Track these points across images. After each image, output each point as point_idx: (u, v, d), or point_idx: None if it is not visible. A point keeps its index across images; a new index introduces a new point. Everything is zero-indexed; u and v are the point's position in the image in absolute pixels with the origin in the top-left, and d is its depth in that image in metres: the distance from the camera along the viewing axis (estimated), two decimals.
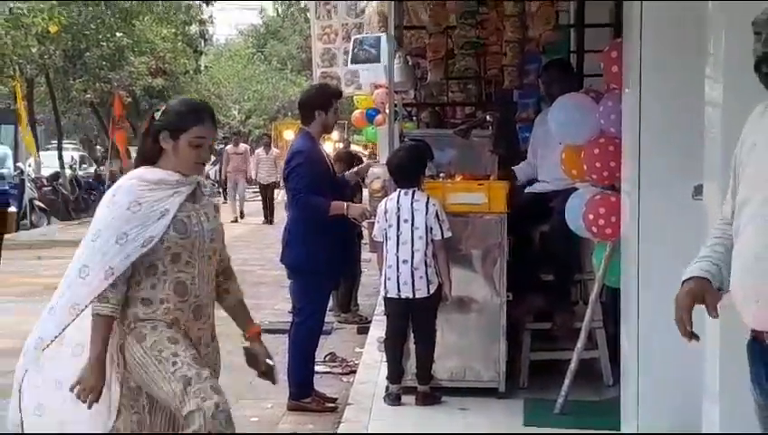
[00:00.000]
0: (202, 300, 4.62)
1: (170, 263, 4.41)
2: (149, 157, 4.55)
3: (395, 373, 7.73)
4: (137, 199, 4.34)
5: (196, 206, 4.57)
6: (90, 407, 4.39)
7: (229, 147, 30.75)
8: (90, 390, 4.36)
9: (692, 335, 3.53)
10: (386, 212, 7.75)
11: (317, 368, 8.42)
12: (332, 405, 7.96)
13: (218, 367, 5.00)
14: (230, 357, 10.29)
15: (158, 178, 4.42)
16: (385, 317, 8.04)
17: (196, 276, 4.55)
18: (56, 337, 4.54)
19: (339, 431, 7.30)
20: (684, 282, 3.54)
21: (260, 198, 27.92)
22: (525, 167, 8.91)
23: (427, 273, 7.60)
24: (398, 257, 7.65)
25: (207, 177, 41.16)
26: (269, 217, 26.37)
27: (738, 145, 3.46)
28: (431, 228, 7.58)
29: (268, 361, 5.14)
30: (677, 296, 3.52)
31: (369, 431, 7.18)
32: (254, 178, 27.92)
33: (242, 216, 27.81)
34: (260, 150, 27.91)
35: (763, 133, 3.31)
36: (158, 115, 4.60)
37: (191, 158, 4.50)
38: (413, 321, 7.70)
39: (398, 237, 7.66)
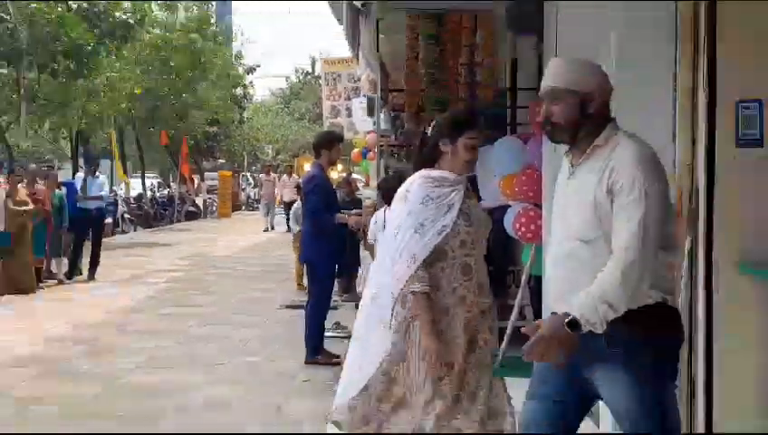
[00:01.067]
0: (481, 278, 4.07)
1: (458, 248, 3.83)
2: (427, 161, 4.00)
3: None
4: (428, 195, 3.80)
5: (470, 199, 3.99)
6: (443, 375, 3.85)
7: (263, 175, 30.79)
8: (438, 358, 3.82)
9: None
10: (376, 223, 7.76)
11: (326, 333, 8.39)
12: (337, 360, 7.92)
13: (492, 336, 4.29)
14: (264, 325, 10.30)
15: (440, 176, 3.86)
16: None
17: (476, 257, 4.01)
18: (391, 319, 3.94)
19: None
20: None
21: (284, 213, 27.00)
22: None
23: None
24: None
25: (248, 197, 41.21)
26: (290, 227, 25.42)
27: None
28: None
29: None
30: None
31: None
32: (281, 198, 27.54)
33: (272, 227, 26.96)
34: (285, 177, 27.82)
35: (563, 167, 3.37)
36: (429, 129, 4.12)
37: (465, 157, 3.92)
38: None
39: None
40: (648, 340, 3.05)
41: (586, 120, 3.17)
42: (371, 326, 4.25)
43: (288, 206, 25.49)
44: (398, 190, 4.06)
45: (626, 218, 2.98)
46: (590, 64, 3.31)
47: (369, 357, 4.18)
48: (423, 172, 3.95)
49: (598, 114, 3.19)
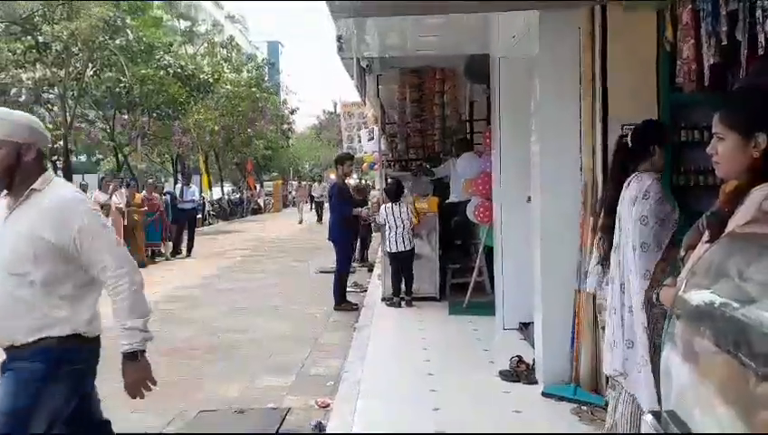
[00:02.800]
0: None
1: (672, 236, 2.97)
2: (633, 161, 3.19)
3: (397, 289, 7.73)
4: (662, 193, 3.02)
5: None
6: None
7: (295, 182, 30.87)
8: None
9: None
10: (385, 212, 7.78)
11: (348, 289, 8.39)
12: (355, 307, 7.95)
13: None
14: (305, 284, 10.27)
15: (656, 176, 3.10)
16: (389, 263, 7.88)
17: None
18: (642, 302, 2.98)
19: (357, 324, 7.22)
20: None
21: (314, 209, 26.20)
22: (440, 170, 8.94)
23: (409, 238, 7.73)
24: (395, 231, 7.68)
25: (293, 198, 41.18)
26: (320, 219, 24.16)
27: None
28: (409, 218, 7.72)
29: None
30: None
31: (374, 320, 7.08)
32: (313, 196, 27.28)
33: (301, 222, 24.91)
34: (315, 184, 27.87)
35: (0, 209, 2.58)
36: (628, 138, 3.28)
37: (663, 160, 3.15)
38: (402, 263, 7.75)
39: (395, 222, 7.70)
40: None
41: (22, 167, 2.45)
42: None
43: (318, 204, 25.23)
44: (631, 191, 3.12)
45: (102, 251, 2.41)
46: (27, 117, 2.54)
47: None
48: (651, 174, 3.10)
49: (33, 162, 2.47)
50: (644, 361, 3.01)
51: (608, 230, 3.34)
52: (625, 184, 3.20)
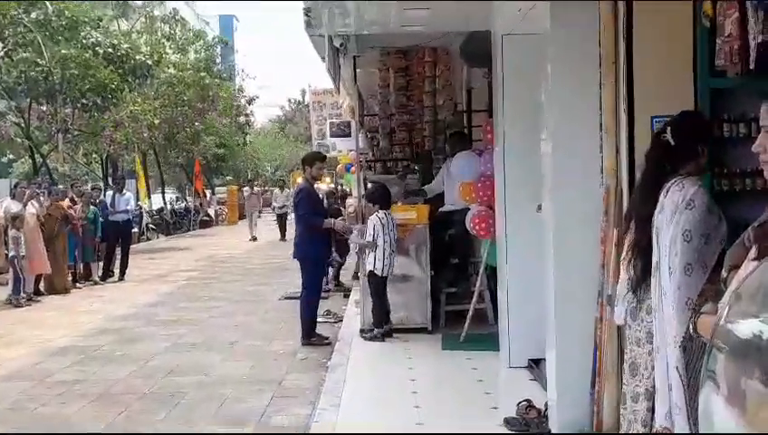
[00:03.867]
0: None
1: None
2: (677, 162, 3.19)
3: (379, 320, 7.66)
4: (710, 203, 3.00)
5: None
6: None
7: (246, 189, 30.25)
8: None
9: None
10: (381, 224, 7.73)
11: (318, 319, 8.36)
12: (328, 341, 7.90)
13: None
14: (267, 314, 10.27)
15: (700, 182, 3.11)
16: (370, 286, 7.81)
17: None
18: (685, 334, 2.65)
19: (330, 362, 7.19)
20: None
21: (276, 224, 24.85)
22: (434, 186, 8.89)
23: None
24: (389, 247, 7.68)
25: (243, 207, 40.96)
26: (284, 235, 22.80)
27: None
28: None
29: None
30: None
31: (351, 357, 7.06)
32: (273, 205, 26.65)
33: (255, 239, 23.95)
34: (276, 190, 27.47)
35: None
36: (668, 134, 3.23)
37: (704, 161, 3.25)
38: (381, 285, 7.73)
39: (389, 236, 7.71)
40: None
41: None
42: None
43: (280, 217, 24.83)
44: (671, 200, 3.12)
45: None
46: None
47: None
48: (693, 180, 3.10)
49: None
50: (677, 408, 2.99)
51: (642, 248, 3.32)
52: (663, 191, 3.17)
